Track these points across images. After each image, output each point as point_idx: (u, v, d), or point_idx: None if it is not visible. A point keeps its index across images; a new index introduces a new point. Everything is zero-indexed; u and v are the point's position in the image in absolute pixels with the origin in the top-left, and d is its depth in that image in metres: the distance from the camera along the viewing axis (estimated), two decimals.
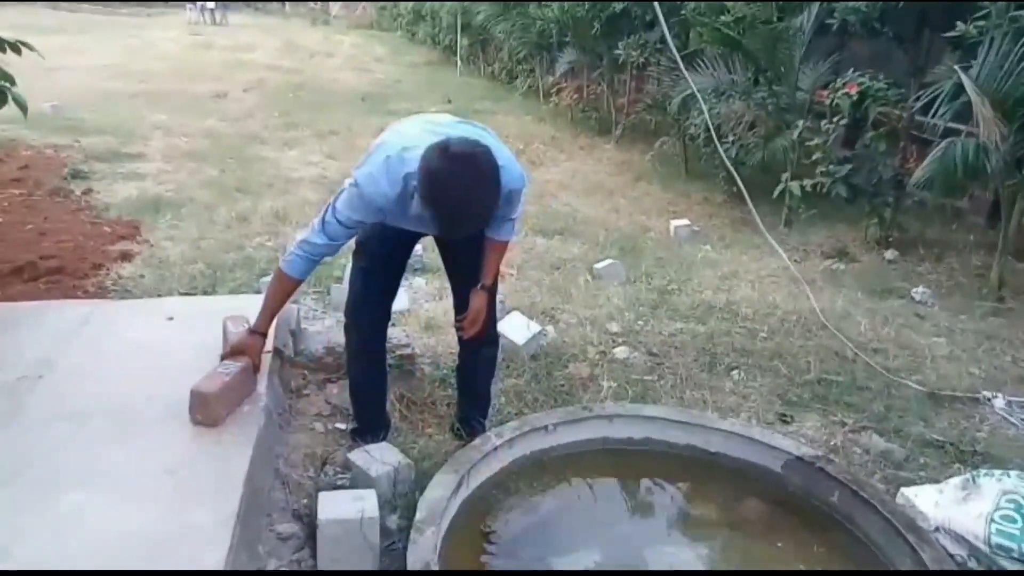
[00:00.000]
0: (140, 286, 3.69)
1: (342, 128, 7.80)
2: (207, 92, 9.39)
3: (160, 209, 4.88)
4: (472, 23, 11.87)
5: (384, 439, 2.50)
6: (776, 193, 5.34)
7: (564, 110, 8.93)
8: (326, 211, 2.12)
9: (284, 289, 2.23)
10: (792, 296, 4.01)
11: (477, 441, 2.37)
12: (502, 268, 2.51)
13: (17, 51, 2.92)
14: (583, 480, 2.49)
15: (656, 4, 4.09)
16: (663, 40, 5.37)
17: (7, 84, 2.91)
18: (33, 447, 2.06)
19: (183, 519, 1.83)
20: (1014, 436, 2.88)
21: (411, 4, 16.61)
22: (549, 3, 8.44)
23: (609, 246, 4.78)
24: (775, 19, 5.39)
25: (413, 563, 1.86)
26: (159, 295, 3.54)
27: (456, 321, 2.48)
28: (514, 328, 3.19)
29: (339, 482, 2.37)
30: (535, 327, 3.27)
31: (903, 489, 2.42)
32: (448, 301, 3.69)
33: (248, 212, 4.95)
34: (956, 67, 4.00)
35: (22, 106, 2.90)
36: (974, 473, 2.33)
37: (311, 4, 23.86)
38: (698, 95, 4.51)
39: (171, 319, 2.84)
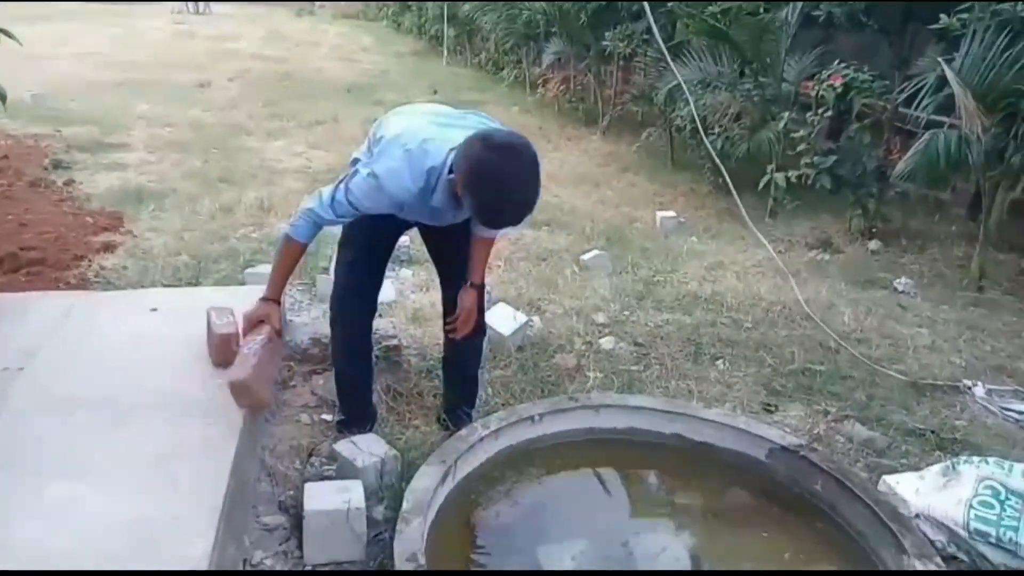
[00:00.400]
0: (123, 278, 3.66)
1: (327, 118, 7.74)
2: (191, 82, 9.29)
3: (143, 200, 4.84)
4: (458, 13, 11.81)
5: (370, 430, 2.50)
6: (761, 184, 5.36)
7: (551, 101, 8.90)
8: (337, 189, 2.09)
9: (291, 254, 2.23)
10: (777, 287, 4.04)
11: (464, 432, 2.37)
12: (489, 260, 2.52)
13: None
14: (569, 470, 2.50)
15: None
16: (649, 31, 5.36)
17: None
18: (17, 439, 2.05)
19: (168, 510, 1.82)
20: (993, 424, 2.93)
21: None
22: None
23: (596, 237, 4.79)
24: (761, 11, 5.40)
25: (400, 553, 1.86)
26: (142, 287, 3.51)
27: (447, 323, 2.48)
28: (500, 319, 3.20)
29: (325, 473, 2.36)
30: (522, 318, 3.27)
31: (885, 477, 2.45)
32: (435, 294, 3.69)
33: (232, 203, 4.91)
34: (939, 59, 4.04)
35: (1, 95, 2.86)
36: (954, 460, 2.37)
37: None
38: (684, 86, 4.53)
39: (155, 310, 2.82)
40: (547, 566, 2.11)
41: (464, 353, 2.59)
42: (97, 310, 2.85)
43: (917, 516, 2.26)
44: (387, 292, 3.49)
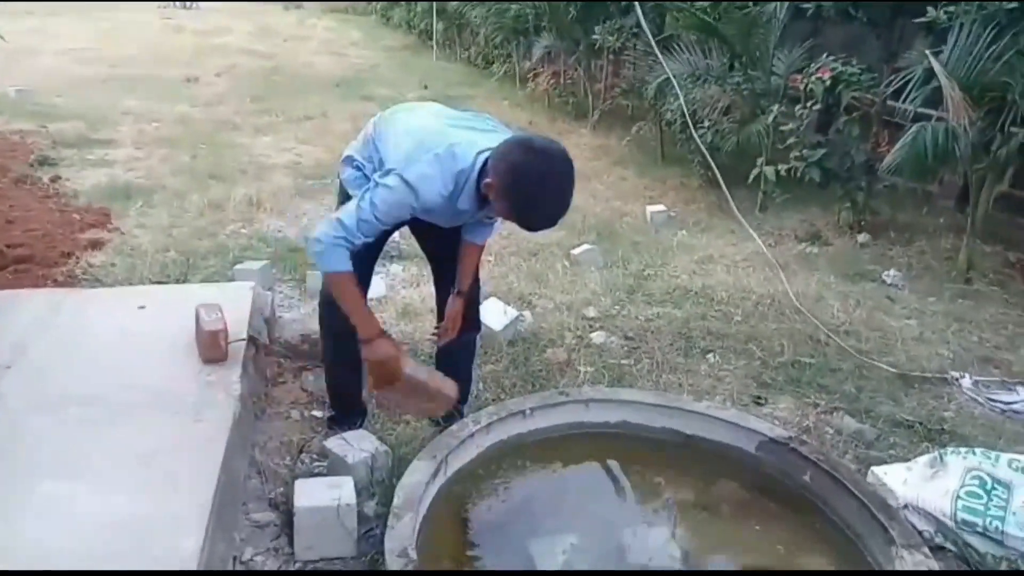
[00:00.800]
0: (111, 275, 3.64)
1: (317, 114, 7.71)
2: (178, 77, 9.22)
3: (131, 196, 4.80)
4: (448, 7, 11.76)
5: (360, 426, 2.50)
6: (751, 178, 5.37)
7: (541, 95, 8.89)
8: (359, 209, 1.98)
9: (350, 284, 2.10)
10: (766, 280, 4.06)
11: (454, 427, 2.37)
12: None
13: None
14: (560, 464, 2.51)
15: None
16: (639, 25, 5.36)
17: None
18: (6, 436, 2.04)
19: (158, 507, 1.82)
20: (980, 415, 2.96)
21: None
22: None
23: (586, 231, 4.79)
24: (750, 4, 5.40)
25: (391, 549, 1.86)
26: (130, 284, 3.49)
27: (435, 329, 2.50)
28: (491, 314, 3.20)
29: (316, 470, 2.37)
30: (512, 313, 3.28)
31: (874, 468, 2.47)
32: (425, 289, 3.69)
33: (221, 199, 4.89)
34: (927, 53, 4.05)
35: None
36: (941, 451, 2.39)
37: None
38: (673, 80, 4.53)
39: (143, 307, 2.81)
40: (538, 560, 2.11)
41: (457, 350, 2.59)
42: (85, 307, 2.84)
43: (905, 507, 2.28)
44: (377, 287, 3.48)
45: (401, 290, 3.74)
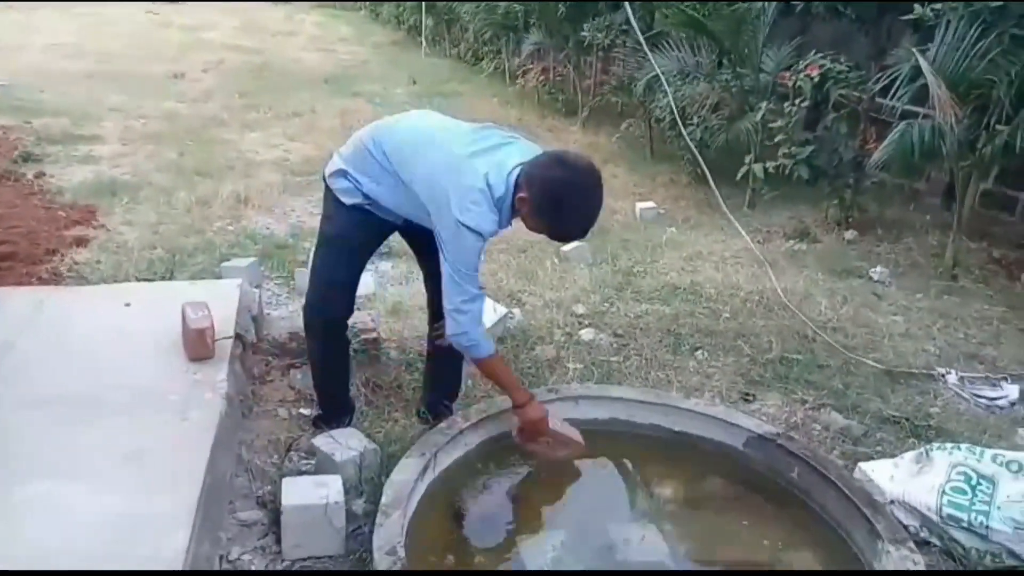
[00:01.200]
0: (96, 272, 3.60)
1: (305, 110, 7.65)
2: (165, 72, 9.13)
3: (117, 193, 4.76)
4: (437, 3, 11.71)
5: (348, 424, 2.49)
6: (740, 175, 5.39)
7: (530, 92, 8.87)
8: (457, 275, 2.09)
9: (501, 364, 2.32)
10: (755, 277, 4.07)
11: (443, 424, 2.37)
12: None
13: None
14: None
15: None
16: (628, 22, 5.36)
17: None
18: None
19: (144, 506, 1.81)
20: (965, 411, 2.98)
21: None
22: None
23: None
24: (739, 1, 5.41)
25: (379, 547, 1.85)
26: (116, 281, 3.46)
27: (434, 329, 2.50)
28: None
29: (304, 468, 2.35)
30: (502, 310, 3.27)
31: (860, 464, 2.49)
32: (414, 286, 3.69)
33: (209, 196, 4.85)
34: (914, 50, 4.07)
35: None
36: (927, 447, 2.41)
37: None
38: (662, 77, 4.53)
39: (128, 305, 2.78)
40: (527, 558, 2.11)
41: (451, 348, 2.58)
42: (70, 305, 2.81)
43: (891, 502, 2.30)
44: (366, 285, 3.46)
45: (390, 287, 3.73)
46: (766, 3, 5.18)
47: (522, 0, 8.37)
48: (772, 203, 5.43)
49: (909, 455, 2.42)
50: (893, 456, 2.51)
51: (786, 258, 4.57)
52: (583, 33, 7.28)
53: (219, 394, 2.28)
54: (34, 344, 2.50)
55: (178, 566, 1.65)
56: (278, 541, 2.04)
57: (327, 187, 2.34)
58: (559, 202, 2.00)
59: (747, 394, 2.98)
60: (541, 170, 2.02)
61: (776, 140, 5.23)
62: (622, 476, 2.45)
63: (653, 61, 4.55)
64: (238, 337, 2.64)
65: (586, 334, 3.34)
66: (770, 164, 5.22)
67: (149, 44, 11.22)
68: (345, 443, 2.29)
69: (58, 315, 2.70)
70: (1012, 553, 2.13)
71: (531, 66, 8.91)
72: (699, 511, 2.40)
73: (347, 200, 2.25)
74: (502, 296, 3.58)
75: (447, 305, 2.15)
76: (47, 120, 6.38)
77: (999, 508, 2.16)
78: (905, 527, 2.20)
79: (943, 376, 3.17)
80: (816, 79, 4.94)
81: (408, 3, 13.62)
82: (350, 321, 2.49)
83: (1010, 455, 2.30)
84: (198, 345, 2.41)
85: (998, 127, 3.96)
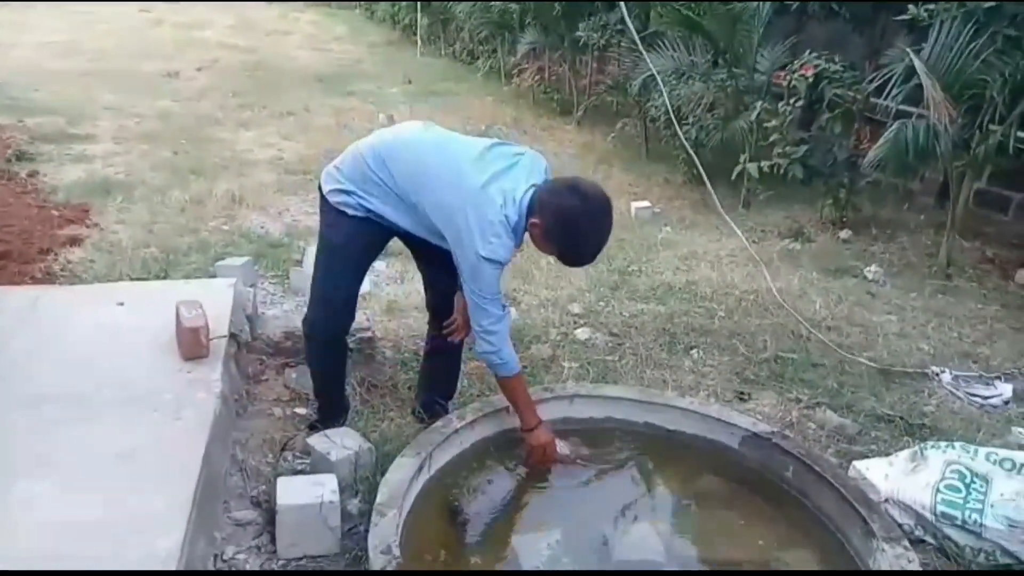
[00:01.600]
0: (90, 271, 3.59)
1: (299, 109, 7.64)
2: (159, 71, 9.10)
3: (110, 192, 4.74)
4: (432, 2, 11.70)
5: (343, 423, 2.48)
6: (735, 174, 5.40)
7: (526, 91, 8.87)
8: (483, 301, 2.13)
9: (522, 383, 2.33)
10: (750, 276, 4.08)
11: (439, 423, 2.36)
12: None
13: None
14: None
15: None
16: (624, 21, 5.36)
17: None
18: None
19: (137, 506, 1.80)
20: (959, 409, 2.99)
21: None
22: None
23: None
24: (734, 0, 5.41)
25: (375, 546, 1.85)
26: (110, 280, 3.44)
27: (444, 326, 2.50)
28: None
29: (299, 467, 2.35)
30: None
31: (855, 462, 2.49)
32: (409, 286, 3.69)
33: (203, 195, 4.84)
34: (908, 50, 4.08)
35: None
36: (922, 446, 2.41)
37: None
38: (658, 77, 4.53)
39: (122, 304, 2.77)
40: (523, 557, 2.11)
41: (450, 346, 2.58)
42: (64, 304, 2.80)
43: (886, 500, 2.30)
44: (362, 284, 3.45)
45: (385, 287, 3.72)
46: (761, 3, 5.19)
47: None
48: (767, 202, 5.45)
49: (903, 453, 2.42)
50: (887, 455, 2.52)
51: (781, 257, 4.58)
52: (579, 32, 7.29)
53: (213, 393, 2.27)
54: (27, 343, 2.49)
55: (172, 566, 1.64)
56: (273, 540, 2.03)
57: (324, 198, 2.28)
58: (571, 230, 2.05)
59: (742, 393, 2.98)
60: (555, 197, 2.05)
61: (771, 140, 5.24)
62: (617, 475, 2.45)
63: (648, 61, 4.55)
64: (232, 336, 2.63)
65: (582, 333, 3.34)
66: (765, 163, 5.23)
67: (142, 43, 11.18)
68: (340, 442, 2.29)
69: (52, 314, 2.69)
70: (1006, 551, 2.13)
71: (527, 65, 8.91)
72: (694, 510, 2.40)
73: (350, 212, 2.23)
74: None
75: (475, 327, 2.20)
76: (40, 119, 6.36)
77: (993, 506, 2.17)
78: (900, 525, 2.21)
79: (937, 375, 3.18)
80: (811, 79, 4.95)
81: (403, 2, 13.60)
82: None
83: (1004, 453, 2.31)
84: (192, 344, 2.41)
85: (991, 127, 3.98)
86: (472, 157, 2.13)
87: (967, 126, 4.09)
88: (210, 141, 6.32)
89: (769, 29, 5.40)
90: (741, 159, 5.39)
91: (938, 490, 2.24)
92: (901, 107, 4.34)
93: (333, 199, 2.25)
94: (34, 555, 1.63)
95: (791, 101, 5.14)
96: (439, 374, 2.66)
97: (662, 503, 2.39)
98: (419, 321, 3.21)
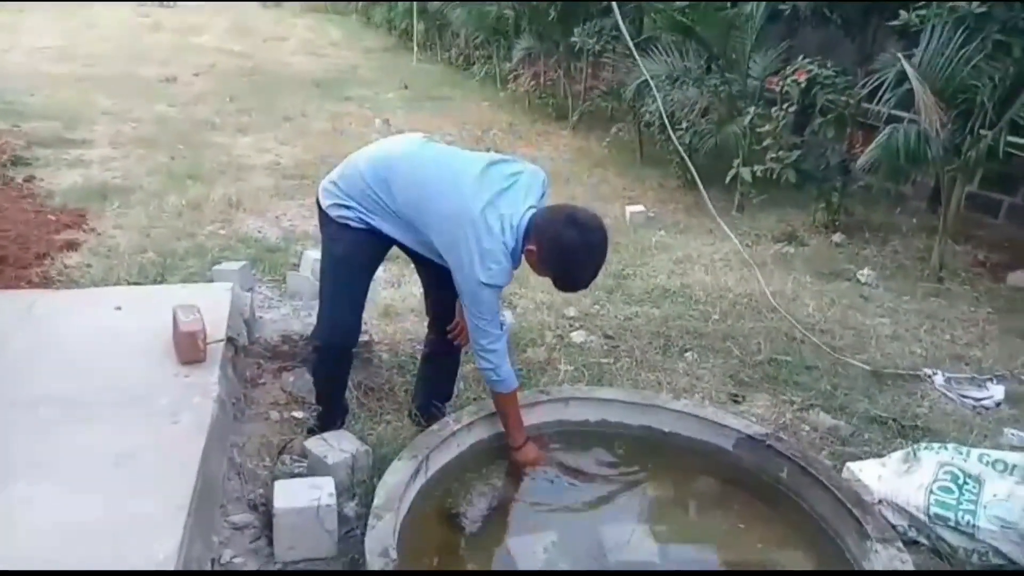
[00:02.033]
0: (87, 276, 3.60)
1: (296, 114, 7.66)
2: (156, 76, 9.11)
3: (107, 197, 4.75)
4: (428, 8, 11.73)
5: (341, 426, 2.49)
6: (728, 179, 5.43)
7: (521, 96, 8.91)
8: (483, 321, 2.16)
9: (516, 402, 2.36)
10: (743, 279, 4.10)
11: (436, 426, 2.37)
12: None
13: None
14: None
15: None
16: (618, 27, 5.39)
17: None
18: None
19: (134, 509, 1.80)
20: (952, 411, 3.01)
21: None
22: None
23: None
24: (728, 5, 5.45)
25: (372, 549, 1.86)
26: (107, 285, 3.45)
27: (448, 331, 2.53)
28: None
29: (296, 471, 2.36)
30: None
31: (849, 464, 2.51)
32: (405, 289, 3.70)
33: (200, 199, 4.84)
34: (899, 55, 4.12)
35: None
36: (915, 447, 2.43)
37: None
38: (651, 82, 4.55)
39: (119, 308, 2.78)
40: (519, 558, 2.12)
41: (449, 350, 2.60)
42: (60, 308, 2.80)
43: (880, 502, 2.32)
44: None
45: (382, 290, 3.73)
46: (754, 8, 5.23)
47: (513, 0, 8.39)
48: (760, 207, 5.47)
49: (897, 455, 2.44)
50: (881, 456, 2.54)
51: (774, 261, 4.61)
52: (574, 38, 7.32)
53: (210, 397, 2.28)
54: (24, 347, 2.49)
55: (170, 568, 1.65)
56: (270, 544, 2.04)
57: (324, 212, 2.29)
58: (567, 261, 2.09)
59: (736, 395, 3.00)
60: (552, 227, 2.07)
61: (764, 144, 5.27)
62: (612, 477, 2.47)
63: (642, 66, 4.58)
64: (230, 340, 2.64)
65: (577, 336, 3.36)
66: (758, 168, 5.26)
67: (139, 47, 11.20)
68: (337, 445, 2.30)
69: (48, 318, 2.70)
70: (998, 551, 2.15)
71: (522, 71, 8.94)
72: (689, 511, 2.42)
73: (353, 224, 2.24)
74: None
75: (474, 346, 2.24)
76: (37, 123, 6.37)
77: (985, 507, 2.19)
78: (893, 526, 2.23)
79: (930, 377, 3.21)
80: (803, 84, 4.98)
81: (399, 8, 13.64)
82: None
83: (996, 454, 2.33)
84: (189, 348, 2.41)
85: (982, 132, 4.02)
86: (471, 178, 2.13)
87: (958, 131, 4.12)
88: (207, 146, 6.33)
89: (762, 35, 5.43)
90: (735, 164, 5.42)
91: (931, 491, 2.26)
92: (893, 112, 4.37)
93: (333, 212, 2.26)
94: (32, 557, 1.64)
95: (784, 106, 5.18)
96: (436, 377, 2.67)
97: (657, 505, 2.40)
98: (416, 325, 3.23)
